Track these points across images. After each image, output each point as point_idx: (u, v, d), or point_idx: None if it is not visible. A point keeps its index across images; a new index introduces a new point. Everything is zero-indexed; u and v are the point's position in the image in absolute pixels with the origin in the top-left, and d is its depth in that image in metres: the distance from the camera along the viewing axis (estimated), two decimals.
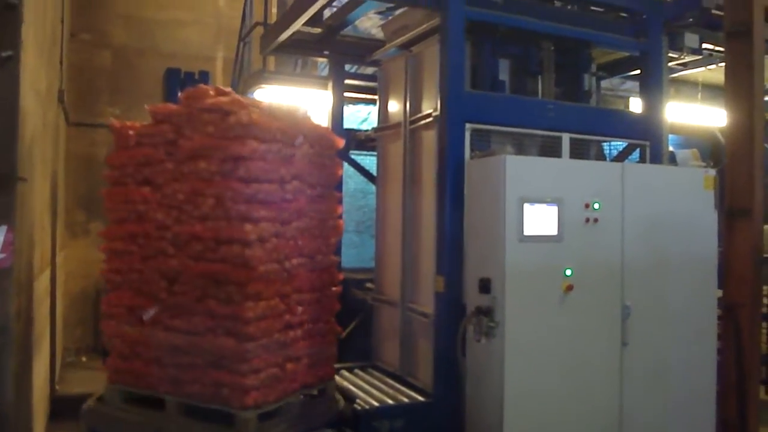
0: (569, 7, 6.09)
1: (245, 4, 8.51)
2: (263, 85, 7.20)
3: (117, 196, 4.54)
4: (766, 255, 5.56)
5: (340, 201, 4.98)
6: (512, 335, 4.47)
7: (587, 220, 4.76)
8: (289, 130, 4.31)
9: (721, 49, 6.12)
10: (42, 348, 5.94)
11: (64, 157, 9.13)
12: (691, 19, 6.20)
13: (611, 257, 4.90)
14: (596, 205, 4.79)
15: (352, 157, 6.90)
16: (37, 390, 5.39)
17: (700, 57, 6.95)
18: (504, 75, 5.61)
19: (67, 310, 9.56)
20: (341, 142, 4.88)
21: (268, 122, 4.14)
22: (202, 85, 4.53)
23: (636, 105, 6.65)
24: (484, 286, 4.54)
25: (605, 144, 6.05)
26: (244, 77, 8.13)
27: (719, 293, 5.35)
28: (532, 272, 4.57)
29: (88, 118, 9.89)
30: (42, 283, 5.89)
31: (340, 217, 4.89)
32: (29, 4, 4.24)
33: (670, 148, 7.38)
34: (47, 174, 6.40)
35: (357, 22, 6.60)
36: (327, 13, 6.12)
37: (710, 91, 8.45)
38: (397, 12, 6.19)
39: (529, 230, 4.54)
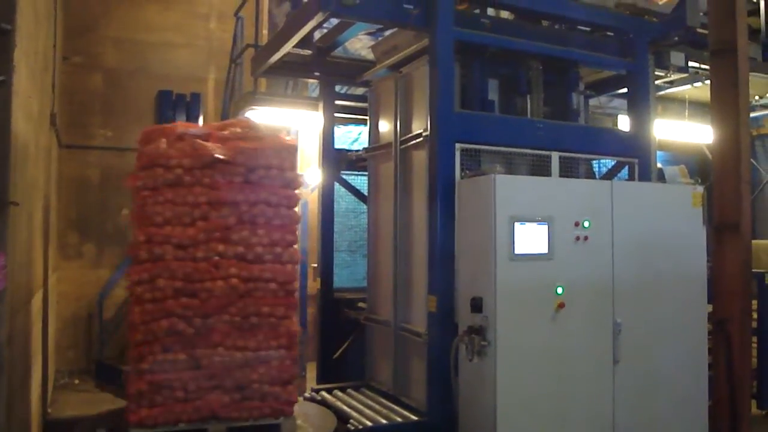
0: (557, 26, 6.16)
1: (236, 26, 8.58)
2: (254, 107, 7.24)
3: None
4: (754, 269, 5.62)
5: None
6: (504, 354, 4.49)
7: (577, 238, 4.80)
8: None
9: (707, 67, 6.20)
10: (34, 371, 5.91)
11: (56, 179, 9.14)
12: (676, 38, 6.27)
13: (602, 275, 4.93)
14: (586, 223, 4.83)
15: (344, 177, 6.94)
16: (29, 414, 5.36)
17: (687, 75, 7.04)
18: (493, 95, 5.66)
19: (59, 333, 9.53)
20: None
21: None
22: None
23: (624, 122, 6.71)
24: (476, 305, 4.55)
25: (594, 161, 6.11)
26: (235, 99, 8.17)
27: (709, 308, 5.39)
28: (524, 291, 4.60)
29: (80, 140, 9.92)
30: (34, 306, 5.88)
31: None
32: (21, 29, 4.29)
33: (659, 165, 7.45)
34: (39, 197, 6.41)
35: (347, 44, 6.65)
36: (317, 35, 6.17)
37: (697, 108, 8.55)
38: (387, 33, 6.25)
39: (519, 249, 4.57)
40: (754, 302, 6.45)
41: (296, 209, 4.53)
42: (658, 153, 7.52)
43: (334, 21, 5.70)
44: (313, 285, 7.52)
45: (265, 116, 7.34)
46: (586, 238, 4.83)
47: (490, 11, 5.99)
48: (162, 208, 4.20)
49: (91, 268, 9.98)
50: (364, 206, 6.76)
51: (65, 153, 9.75)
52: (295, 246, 4.49)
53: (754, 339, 7.01)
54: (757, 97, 8.98)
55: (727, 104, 5.20)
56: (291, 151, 4.51)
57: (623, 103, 6.80)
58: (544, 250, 4.67)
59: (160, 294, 4.13)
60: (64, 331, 9.75)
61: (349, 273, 7.18)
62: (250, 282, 4.29)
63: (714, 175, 5.27)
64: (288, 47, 5.82)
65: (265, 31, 8.43)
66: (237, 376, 4.22)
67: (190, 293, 4.18)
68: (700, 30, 6.04)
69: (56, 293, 9.27)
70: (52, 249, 8.45)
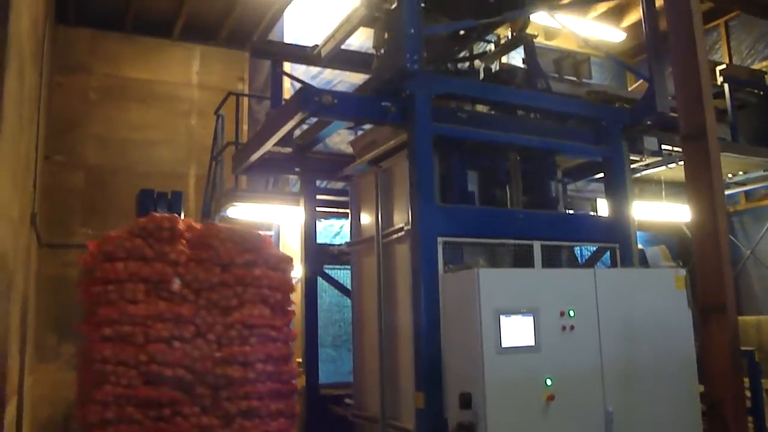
0: (532, 116, 6.29)
1: (217, 124, 8.68)
2: (236, 203, 7.26)
3: None
4: (743, 347, 5.57)
5: None
6: None
7: (563, 327, 4.76)
8: None
9: (680, 149, 6.32)
10: None
11: (36, 278, 9.00)
12: (648, 123, 6.41)
13: (590, 363, 4.87)
14: (571, 313, 4.80)
15: (326, 271, 6.90)
16: None
17: (660, 158, 7.17)
18: (473, 186, 5.72)
19: None
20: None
21: None
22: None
23: (604, 206, 6.80)
24: (465, 401, 4.45)
25: (577, 247, 6.13)
26: (216, 195, 8.19)
27: (701, 388, 5.31)
28: (513, 384, 4.51)
29: (60, 239, 9.84)
30: (8, 416, 5.67)
31: None
32: (5, 135, 4.29)
33: (639, 246, 7.48)
34: (18, 299, 6.29)
35: (326, 139, 6.74)
36: (297, 132, 6.25)
37: (674, 188, 8.67)
38: (366, 128, 6.35)
39: (506, 342, 4.51)
40: (746, 379, 6.36)
41: None
42: (638, 233, 7.57)
43: (314, 118, 5.79)
44: (298, 381, 7.34)
45: (246, 213, 7.35)
46: (572, 327, 4.78)
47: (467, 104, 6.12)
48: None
49: (69, 370, 9.70)
50: (348, 300, 6.69)
51: (45, 252, 9.65)
52: None
53: (750, 419, 6.89)
54: (730, 175, 9.13)
55: (701, 187, 5.27)
56: None
57: (602, 185, 6.89)
58: (531, 341, 4.62)
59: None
60: None
61: (334, 368, 7.06)
62: None
63: (695, 258, 5.29)
64: (268, 146, 5.89)
65: (245, 127, 8.54)
66: None
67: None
68: (671, 114, 6.19)
69: (31, 397, 8.97)
70: (29, 350, 8.23)
